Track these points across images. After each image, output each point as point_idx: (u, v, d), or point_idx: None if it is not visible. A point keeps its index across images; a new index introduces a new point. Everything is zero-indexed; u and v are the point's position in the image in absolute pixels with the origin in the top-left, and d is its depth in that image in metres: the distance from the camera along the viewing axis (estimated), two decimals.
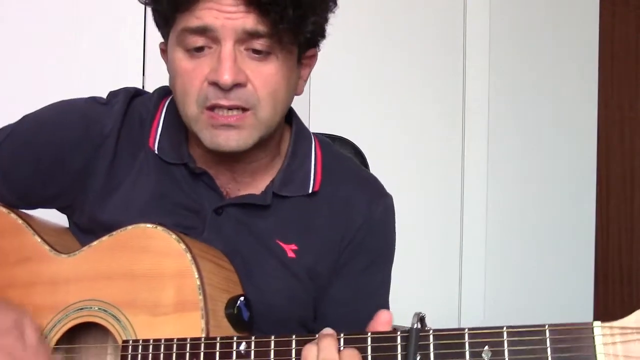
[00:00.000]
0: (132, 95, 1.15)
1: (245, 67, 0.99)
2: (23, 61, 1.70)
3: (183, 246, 0.96)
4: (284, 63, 1.02)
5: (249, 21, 0.97)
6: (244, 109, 1.00)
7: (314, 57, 1.12)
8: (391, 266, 1.20)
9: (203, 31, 0.98)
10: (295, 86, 1.09)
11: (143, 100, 1.16)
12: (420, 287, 2.04)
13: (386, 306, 0.92)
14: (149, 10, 1.79)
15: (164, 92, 1.16)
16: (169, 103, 1.15)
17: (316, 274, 1.12)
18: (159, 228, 0.99)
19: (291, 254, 1.10)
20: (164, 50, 1.10)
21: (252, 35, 0.98)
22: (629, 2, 2.27)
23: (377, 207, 1.15)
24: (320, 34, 1.07)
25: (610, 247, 2.27)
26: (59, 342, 1.02)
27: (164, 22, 1.05)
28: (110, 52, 1.75)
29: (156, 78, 1.65)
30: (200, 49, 1.00)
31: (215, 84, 0.99)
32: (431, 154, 2.10)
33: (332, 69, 1.96)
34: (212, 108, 1.00)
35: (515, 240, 2.17)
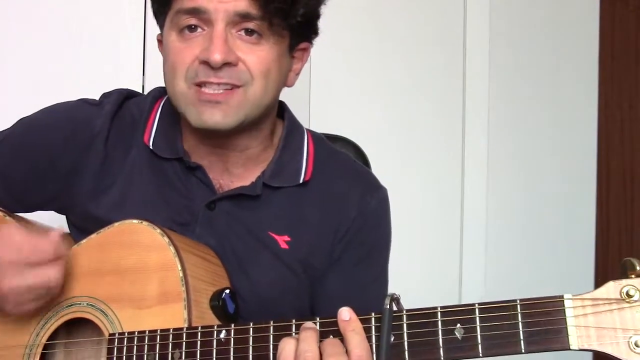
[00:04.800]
0: (125, 97, 1.17)
1: (237, 49, 1.02)
2: (23, 62, 1.71)
3: (167, 240, 0.99)
4: (275, 47, 1.05)
5: (240, 4, 1.00)
6: (235, 86, 1.02)
7: (306, 51, 1.13)
8: (387, 259, 1.21)
9: (196, 12, 1.01)
10: (286, 76, 1.11)
11: (136, 101, 1.18)
12: (420, 289, 2.04)
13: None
14: (149, 10, 1.79)
15: (159, 93, 1.18)
16: (164, 102, 1.16)
17: (309, 264, 1.12)
18: (144, 223, 1.01)
19: (284, 245, 1.11)
20: (160, 42, 1.12)
21: (243, 17, 1.01)
22: (629, 2, 2.27)
23: (371, 199, 1.16)
24: (312, 24, 1.10)
25: (610, 247, 2.26)
26: (51, 337, 1.04)
27: (161, 8, 1.08)
28: (110, 52, 1.75)
29: (156, 78, 1.65)
30: (192, 29, 1.02)
31: (205, 63, 1.01)
32: (431, 153, 2.10)
33: (333, 69, 1.96)
34: (200, 85, 1.02)
35: (515, 240, 2.17)
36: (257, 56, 1.03)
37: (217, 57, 0.99)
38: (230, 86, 1.02)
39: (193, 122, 1.05)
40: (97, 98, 1.19)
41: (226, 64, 1.01)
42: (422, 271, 2.06)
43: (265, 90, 1.05)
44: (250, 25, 1.02)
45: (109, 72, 1.74)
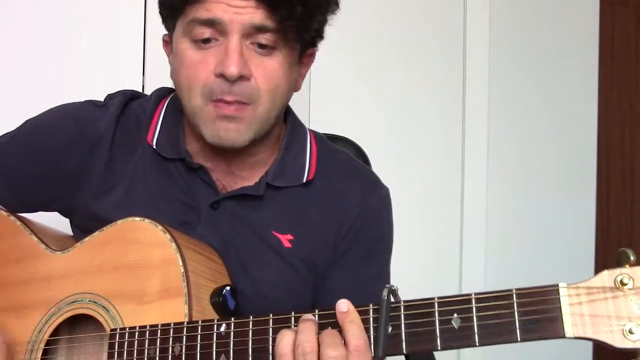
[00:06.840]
0: (129, 98, 1.18)
1: (250, 62, 1.02)
2: (23, 62, 1.71)
3: (168, 236, 1.00)
4: (287, 59, 1.05)
5: (257, 16, 1.00)
6: (245, 103, 1.03)
7: (312, 55, 1.15)
8: (389, 257, 1.21)
9: (211, 23, 1.01)
10: (295, 83, 1.11)
11: (140, 102, 1.19)
12: (420, 288, 2.04)
13: None
14: (149, 10, 1.80)
15: (163, 93, 1.19)
16: (168, 102, 1.17)
17: (312, 263, 1.13)
18: (146, 221, 1.02)
19: (287, 244, 1.12)
20: (166, 42, 1.12)
21: (259, 30, 1.01)
22: (629, 2, 2.27)
23: (372, 197, 1.17)
24: (321, 32, 1.10)
25: (610, 247, 2.27)
26: (53, 334, 1.05)
27: (172, 13, 1.07)
28: (110, 52, 1.75)
29: (156, 78, 1.66)
30: (207, 41, 1.03)
31: (221, 76, 1.01)
32: (431, 153, 2.10)
33: (333, 69, 1.96)
34: (216, 101, 1.03)
35: (515, 240, 2.18)
36: (267, 71, 1.03)
37: (233, 70, 1.00)
38: (241, 103, 1.03)
39: (209, 139, 1.05)
40: (99, 98, 1.20)
41: (240, 78, 1.01)
42: (422, 271, 2.06)
43: (272, 106, 1.06)
44: (265, 37, 1.02)
45: (109, 72, 1.74)
